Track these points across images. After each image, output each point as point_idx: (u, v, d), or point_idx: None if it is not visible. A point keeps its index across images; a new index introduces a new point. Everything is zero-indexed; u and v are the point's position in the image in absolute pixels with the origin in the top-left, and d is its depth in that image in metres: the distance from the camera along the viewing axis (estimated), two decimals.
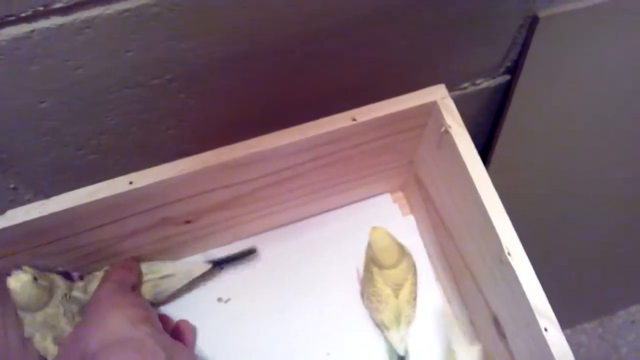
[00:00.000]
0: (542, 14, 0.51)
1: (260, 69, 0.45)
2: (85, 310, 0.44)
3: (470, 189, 0.39)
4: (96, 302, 0.42)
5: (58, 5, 0.33)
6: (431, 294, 0.53)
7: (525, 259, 0.37)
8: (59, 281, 0.46)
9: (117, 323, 0.39)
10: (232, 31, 0.40)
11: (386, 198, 0.58)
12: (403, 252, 0.49)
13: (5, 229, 0.38)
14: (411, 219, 0.57)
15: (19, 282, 0.41)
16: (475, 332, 0.48)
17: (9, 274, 0.42)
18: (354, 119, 0.40)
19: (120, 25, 0.36)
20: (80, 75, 0.38)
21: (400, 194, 0.58)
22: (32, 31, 0.34)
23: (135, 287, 0.50)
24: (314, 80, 0.48)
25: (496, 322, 0.43)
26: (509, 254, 0.37)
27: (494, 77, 0.60)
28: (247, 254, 0.53)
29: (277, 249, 0.55)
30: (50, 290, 0.44)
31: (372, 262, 0.49)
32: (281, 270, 0.54)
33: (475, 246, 0.42)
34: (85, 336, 0.39)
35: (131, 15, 0.35)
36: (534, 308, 0.36)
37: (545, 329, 0.35)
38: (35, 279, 0.42)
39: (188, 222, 0.47)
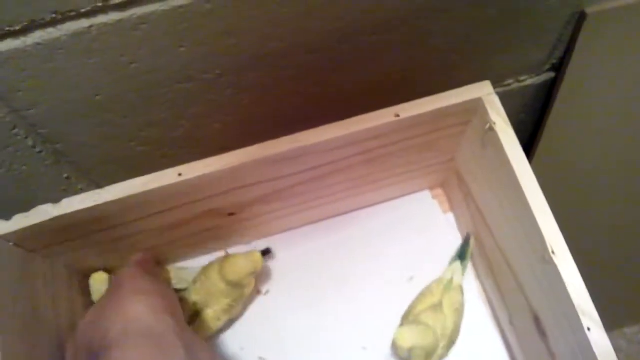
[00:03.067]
0: (590, 10, 0.50)
1: (302, 65, 0.45)
2: (106, 292, 0.43)
3: (514, 187, 0.39)
4: (118, 285, 0.41)
5: (116, 1, 0.34)
6: (471, 292, 0.53)
7: (569, 258, 0.37)
8: None
9: (139, 311, 0.37)
10: (275, 27, 0.41)
11: (426, 195, 0.58)
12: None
13: (60, 217, 0.39)
14: (451, 216, 0.57)
15: (97, 279, 0.47)
16: (515, 331, 0.47)
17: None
18: (398, 115, 0.41)
19: (174, 21, 0.37)
20: (134, 70, 0.40)
21: (439, 191, 0.58)
22: (91, 26, 0.36)
23: (157, 273, 0.51)
24: (355, 76, 0.48)
25: (537, 321, 0.42)
26: (553, 252, 0.37)
27: (538, 75, 0.59)
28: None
29: (315, 243, 0.56)
30: None
31: None
32: (319, 265, 0.55)
33: (517, 244, 0.42)
34: (105, 320, 0.37)
35: (185, 12, 0.36)
36: (577, 308, 0.35)
37: (589, 329, 0.35)
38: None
39: (231, 214, 0.49)
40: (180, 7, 0.36)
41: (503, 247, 0.45)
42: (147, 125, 0.46)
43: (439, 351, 0.47)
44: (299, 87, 0.48)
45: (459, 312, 0.50)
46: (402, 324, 0.49)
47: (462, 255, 0.53)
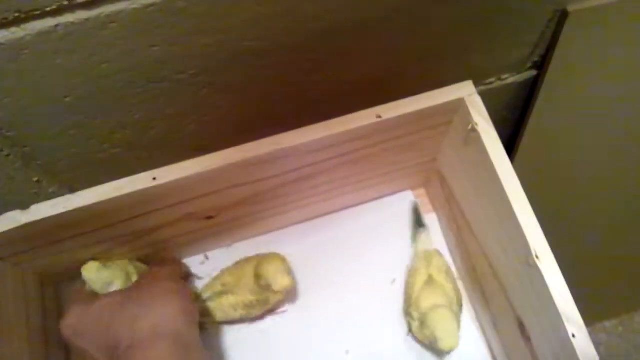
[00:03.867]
0: (571, 8, 0.50)
1: (281, 65, 0.44)
2: (136, 283, 0.44)
3: (497, 189, 0.38)
4: (153, 280, 0.42)
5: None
6: None
7: (553, 263, 0.36)
8: (129, 266, 0.48)
9: (171, 313, 0.39)
10: (253, 26, 0.39)
11: (408, 195, 0.57)
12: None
13: (30, 224, 0.38)
14: (433, 217, 0.56)
15: (89, 269, 0.45)
16: (498, 334, 0.47)
17: None
18: (380, 116, 0.40)
19: (145, 19, 0.35)
20: (105, 70, 0.38)
21: (422, 191, 0.57)
22: (57, 25, 0.34)
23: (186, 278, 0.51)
24: (334, 76, 0.47)
25: (521, 325, 0.42)
26: (536, 256, 0.36)
27: (520, 72, 0.59)
28: None
29: (297, 245, 0.55)
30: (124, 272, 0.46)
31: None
32: (301, 267, 0.54)
33: (500, 247, 0.42)
34: (136, 313, 0.38)
35: (156, 10, 0.35)
36: (561, 313, 0.35)
37: (573, 335, 0.34)
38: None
39: (210, 217, 0.47)
40: (151, 5, 0.35)
41: (486, 250, 0.44)
42: (120, 127, 0.45)
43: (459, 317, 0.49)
44: (277, 87, 0.46)
45: (450, 273, 0.51)
46: (410, 316, 0.49)
47: (419, 222, 0.54)
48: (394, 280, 0.53)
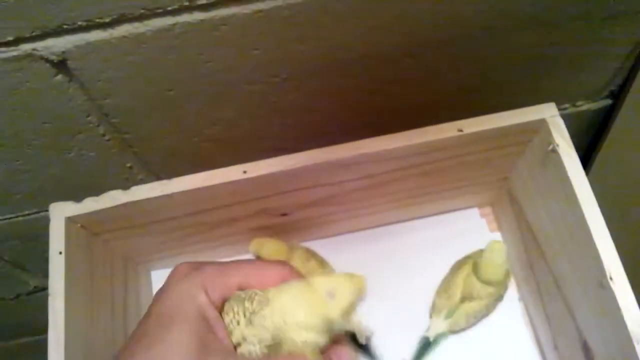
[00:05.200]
0: None
1: (367, 75, 0.46)
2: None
3: (574, 209, 0.39)
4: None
5: (202, 1, 0.36)
6: (512, 313, 0.52)
7: (626, 285, 0.37)
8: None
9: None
10: (347, 38, 0.42)
11: (474, 212, 0.58)
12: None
13: (129, 203, 0.41)
14: (498, 236, 0.56)
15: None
16: (559, 355, 0.47)
17: None
18: (461, 130, 0.41)
19: (252, 25, 0.38)
20: (208, 68, 0.41)
21: (488, 210, 0.58)
22: (175, 24, 0.37)
23: None
24: (419, 90, 0.49)
25: (586, 348, 0.42)
26: (610, 278, 0.37)
27: (595, 100, 0.59)
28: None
29: (361, 251, 0.56)
30: None
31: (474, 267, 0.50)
32: (365, 271, 0.55)
33: (571, 268, 0.42)
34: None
35: (263, 16, 0.38)
36: (632, 335, 0.35)
37: None
38: None
39: (284, 214, 0.50)
40: (260, 10, 0.37)
41: (555, 271, 0.45)
42: (211, 123, 0.48)
43: None
44: (360, 96, 0.49)
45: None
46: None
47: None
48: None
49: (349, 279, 0.37)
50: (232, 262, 0.38)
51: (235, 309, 0.35)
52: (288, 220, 0.51)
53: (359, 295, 0.37)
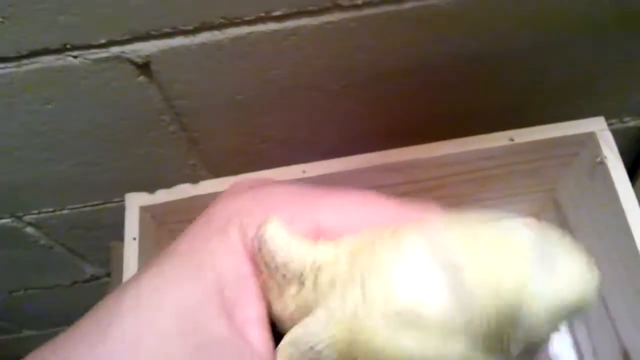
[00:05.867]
0: None
1: (423, 84, 0.49)
2: None
3: (620, 223, 0.41)
4: None
5: (277, 13, 0.39)
6: None
7: None
8: None
9: None
10: (408, 48, 0.45)
11: None
12: None
13: (198, 197, 0.44)
14: None
15: None
16: None
17: None
18: (512, 139, 0.43)
19: (320, 35, 0.41)
20: (275, 75, 0.45)
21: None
22: (250, 33, 0.41)
23: None
24: (470, 99, 0.51)
25: (626, 356, 0.43)
26: None
27: None
28: None
29: None
30: None
31: None
32: None
33: (613, 277, 0.43)
34: None
35: (331, 28, 0.41)
36: None
37: None
38: None
39: None
40: (329, 22, 0.40)
41: None
42: (273, 125, 0.51)
43: None
44: (414, 104, 0.51)
45: None
46: None
47: None
48: None
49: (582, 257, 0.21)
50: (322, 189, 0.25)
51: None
52: None
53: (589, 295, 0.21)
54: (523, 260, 0.19)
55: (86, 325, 0.22)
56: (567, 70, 0.50)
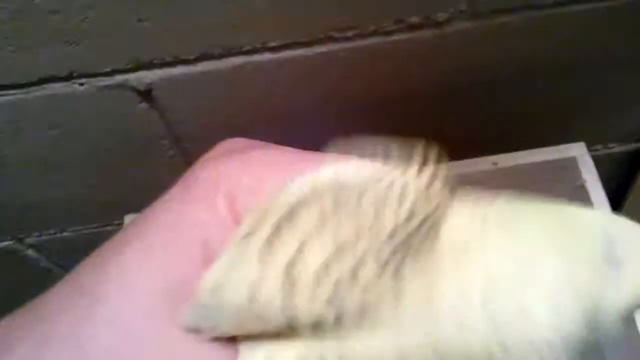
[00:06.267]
0: None
1: (409, 112, 0.51)
2: None
3: None
4: None
5: (272, 44, 0.42)
6: None
7: None
8: None
9: None
10: (392, 77, 0.47)
11: None
12: None
13: None
14: None
15: None
16: None
17: None
18: (496, 163, 0.45)
19: (313, 64, 0.44)
20: (271, 102, 0.47)
21: None
22: (247, 63, 0.43)
23: None
24: (453, 125, 0.54)
25: None
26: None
27: (628, 143, 0.62)
28: None
29: None
30: None
31: None
32: None
33: None
34: None
35: (324, 58, 0.43)
36: None
37: None
38: None
39: None
40: (321, 53, 0.43)
41: None
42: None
43: None
44: (402, 130, 0.53)
45: None
46: None
47: None
48: None
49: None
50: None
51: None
52: None
53: None
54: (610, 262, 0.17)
55: (67, 300, 0.20)
56: (550, 97, 0.52)
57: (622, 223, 0.19)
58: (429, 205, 0.19)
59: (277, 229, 0.18)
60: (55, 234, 0.63)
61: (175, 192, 0.24)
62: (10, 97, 0.43)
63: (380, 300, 0.16)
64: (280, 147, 0.25)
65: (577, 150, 0.45)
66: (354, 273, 0.17)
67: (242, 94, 0.46)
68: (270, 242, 0.17)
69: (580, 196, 0.45)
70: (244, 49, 0.42)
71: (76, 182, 0.55)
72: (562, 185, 0.48)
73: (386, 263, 0.17)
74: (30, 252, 0.65)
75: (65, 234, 0.63)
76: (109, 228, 0.63)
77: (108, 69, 0.42)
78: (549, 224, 0.19)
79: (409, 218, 0.18)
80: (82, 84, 0.43)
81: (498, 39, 0.44)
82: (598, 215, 0.20)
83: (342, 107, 0.49)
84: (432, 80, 0.47)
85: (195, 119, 0.48)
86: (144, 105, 0.46)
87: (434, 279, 0.17)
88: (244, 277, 0.17)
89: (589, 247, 0.18)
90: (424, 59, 0.45)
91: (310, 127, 0.51)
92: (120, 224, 0.48)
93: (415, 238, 0.18)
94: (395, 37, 0.42)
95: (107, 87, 0.44)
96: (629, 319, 0.18)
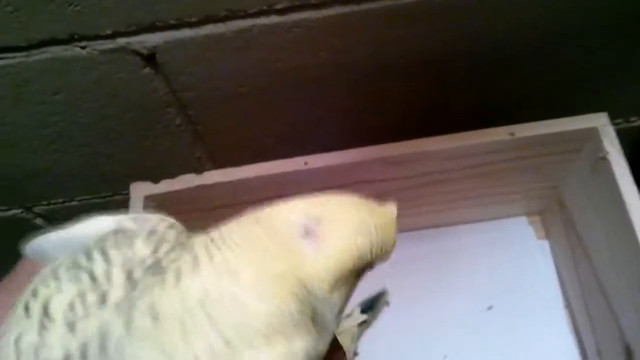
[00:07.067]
0: None
1: (426, 79, 0.49)
2: None
3: (622, 216, 0.40)
4: None
5: (279, 6, 0.40)
6: (557, 319, 0.53)
7: None
8: None
9: None
10: (404, 43, 0.45)
11: (522, 220, 0.59)
12: None
13: (201, 186, 0.45)
14: (545, 243, 0.58)
15: None
16: None
17: None
18: (513, 134, 0.43)
19: (322, 28, 0.42)
20: (277, 68, 0.45)
21: (536, 218, 0.59)
22: (253, 26, 0.41)
23: None
24: (470, 93, 0.51)
25: (628, 351, 0.43)
26: None
27: None
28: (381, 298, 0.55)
29: (404, 252, 0.59)
30: None
31: None
32: (403, 273, 0.57)
33: (617, 274, 0.43)
34: None
35: (333, 21, 0.41)
36: None
37: None
38: None
39: None
40: (331, 16, 0.41)
41: (601, 277, 0.46)
42: (276, 118, 0.52)
43: None
44: (416, 98, 0.51)
45: None
46: None
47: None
48: (490, 307, 0.55)
49: (354, 205, 0.23)
50: None
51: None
52: None
53: (382, 245, 0.22)
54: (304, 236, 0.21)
55: None
56: (571, 67, 0.50)
57: (324, 204, 0.23)
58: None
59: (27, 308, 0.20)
60: (63, 202, 0.62)
61: None
62: (11, 60, 0.42)
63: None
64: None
65: (599, 121, 0.43)
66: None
67: (248, 59, 0.44)
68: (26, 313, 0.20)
69: (603, 168, 0.43)
70: (250, 11, 0.40)
71: (82, 150, 0.54)
72: (582, 158, 0.46)
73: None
74: (38, 220, 0.65)
75: (73, 202, 0.63)
76: (117, 197, 0.62)
77: (109, 31, 0.41)
78: (254, 231, 0.21)
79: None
80: (83, 47, 0.42)
81: (521, 4, 0.42)
82: (299, 204, 0.22)
83: (351, 73, 0.47)
84: (447, 46, 0.45)
85: (201, 86, 0.47)
86: (147, 70, 0.44)
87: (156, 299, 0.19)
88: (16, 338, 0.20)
89: (285, 236, 0.21)
90: (439, 23, 0.43)
91: (316, 94, 0.49)
92: (127, 194, 0.47)
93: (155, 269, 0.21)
94: (407, 0, 0.40)
95: (109, 50, 0.42)
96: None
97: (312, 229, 0.21)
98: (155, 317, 0.18)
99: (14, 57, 0.42)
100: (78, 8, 0.39)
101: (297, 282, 0.20)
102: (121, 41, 0.42)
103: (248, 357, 0.18)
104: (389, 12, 0.41)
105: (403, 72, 0.47)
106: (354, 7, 0.41)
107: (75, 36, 0.41)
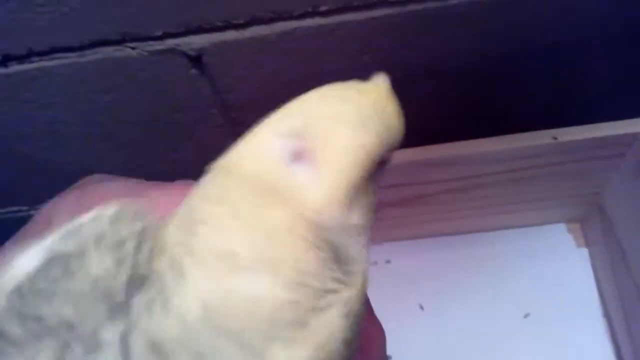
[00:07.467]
0: None
1: (467, 82, 0.49)
2: None
3: None
4: None
5: (323, 8, 0.41)
6: (595, 329, 0.52)
7: None
8: None
9: None
10: (447, 45, 0.45)
11: (560, 227, 0.58)
12: None
13: None
14: (584, 251, 0.57)
15: None
16: None
17: None
18: (555, 138, 0.43)
19: (365, 30, 0.42)
20: (319, 70, 0.46)
21: (576, 225, 0.58)
22: (297, 28, 0.42)
23: None
24: (511, 96, 0.51)
25: None
26: None
27: None
28: None
29: (435, 256, 0.58)
30: None
31: None
32: (431, 280, 0.57)
33: None
34: None
35: (376, 24, 0.42)
36: None
37: None
38: None
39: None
40: (373, 18, 0.42)
41: None
42: None
43: None
44: (458, 101, 0.52)
45: None
46: None
47: None
48: (526, 315, 0.55)
49: (338, 95, 0.20)
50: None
51: None
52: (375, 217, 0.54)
53: (387, 129, 0.19)
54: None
55: None
56: (613, 69, 0.49)
57: (301, 110, 0.20)
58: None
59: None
60: None
61: (20, 232, 0.24)
62: (65, 60, 0.44)
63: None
64: (124, 179, 0.26)
65: None
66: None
67: (291, 61, 0.45)
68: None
69: None
70: (295, 13, 0.41)
71: (128, 149, 0.56)
72: (625, 163, 0.45)
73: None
74: None
75: None
76: None
77: (159, 33, 0.42)
78: (228, 188, 0.18)
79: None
80: (133, 48, 0.43)
81: (566, 4, 0.41)
82: (269, 125, 0.20)
83: (394, 76, 0.48)
84: (494, 48, 0.45)
85: (245, 87, 0.48)
86: (194, 71, 0.46)
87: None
88: None
89: (268, 175, 0.18)
90: (482, 25, 0.43)
91: None
92: None
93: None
94: (452, 2, 0.40)
95: (158, 51, 0.44)
96: None
97: (300, 148, 0.17)
98: (157, 351, 0.15)
99: (67, 57, 0.44)
100: (128, 9, 0.40)
101: (305, 225, 0.16)
102: (170, 42, 0.43)
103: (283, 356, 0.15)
104: (435, 13, 0.41)
105: (448, 74, 0.48)
106: (397, 9, 0.41)
107: (126, 37, 0.42)
